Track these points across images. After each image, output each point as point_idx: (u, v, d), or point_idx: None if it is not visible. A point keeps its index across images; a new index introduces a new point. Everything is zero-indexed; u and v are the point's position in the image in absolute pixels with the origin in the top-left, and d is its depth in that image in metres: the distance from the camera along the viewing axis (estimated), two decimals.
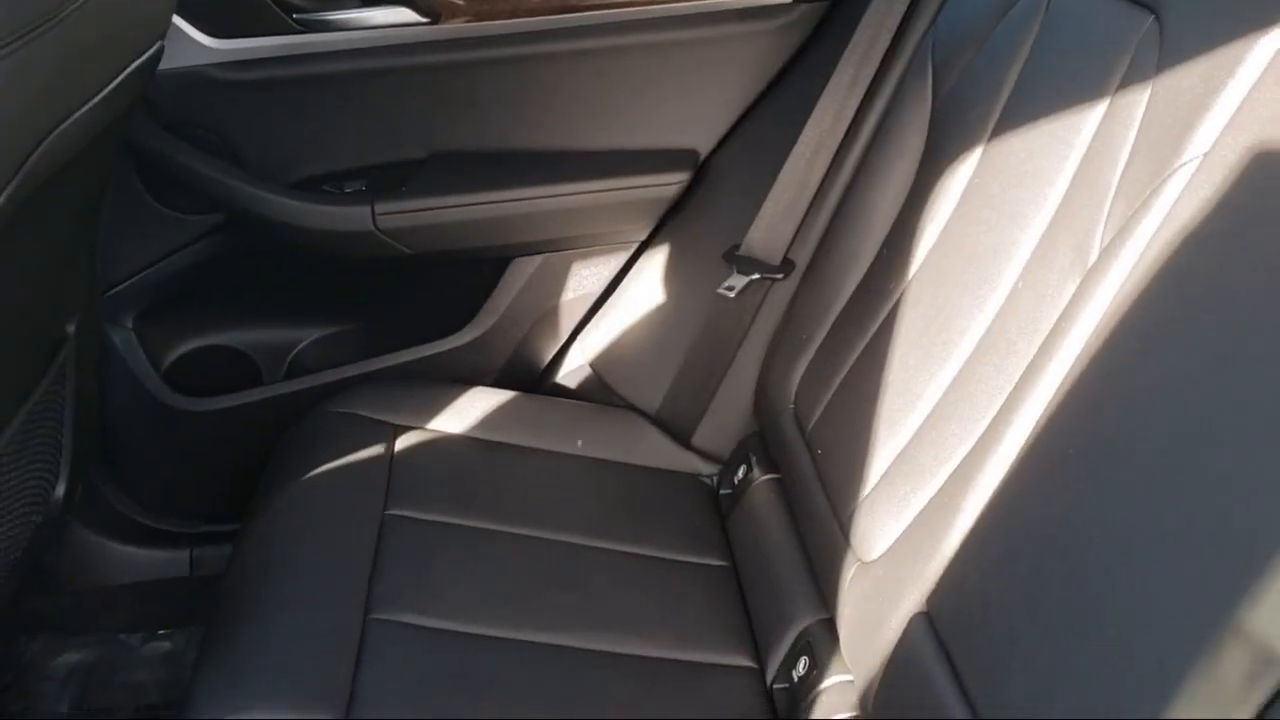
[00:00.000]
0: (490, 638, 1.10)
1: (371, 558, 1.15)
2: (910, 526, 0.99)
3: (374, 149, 1.48)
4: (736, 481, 1.40)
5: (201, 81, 1.39)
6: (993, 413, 0.93)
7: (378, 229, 1.44)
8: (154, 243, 1.49)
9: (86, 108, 0.94)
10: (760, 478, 1.36)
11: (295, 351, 1.61)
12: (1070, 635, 0.73)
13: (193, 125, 1.42)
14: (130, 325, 1.52)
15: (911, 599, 0.93)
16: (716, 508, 1.40)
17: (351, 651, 1.04)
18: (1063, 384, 0.83)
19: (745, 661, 1.16)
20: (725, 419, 1.45)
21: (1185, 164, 0.80)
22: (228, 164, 1.43)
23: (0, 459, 1.10)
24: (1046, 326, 0.90)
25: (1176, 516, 0.69)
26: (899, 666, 0.92)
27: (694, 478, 1.44)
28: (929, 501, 0.98)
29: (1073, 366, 0.83)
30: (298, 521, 1.20)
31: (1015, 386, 0.90)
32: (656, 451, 1.46)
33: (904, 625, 0.92)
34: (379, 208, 1.43)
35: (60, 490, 1.30)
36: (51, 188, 0.96)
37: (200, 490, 1.63)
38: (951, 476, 0.96)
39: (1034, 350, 0.90)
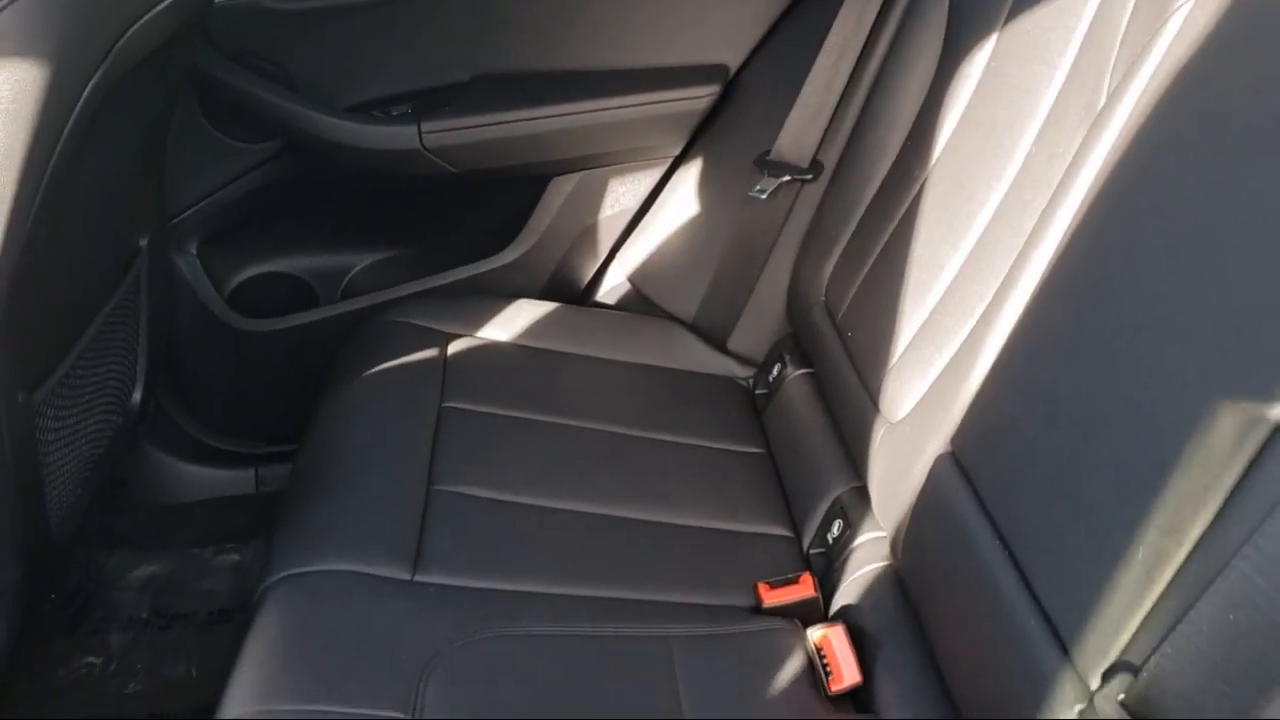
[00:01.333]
0: (546, 508, 1.18)
1: (431, 441, 1.23)
2: (935, 381, 1.04)
3: (419, 74, 1.56)
4: (771, 380, 1.45)
5: (258, 12, 1.48)
6: (1010, 264, 0.98)
7: (424, 147, 1.51)
8: (215, 171, 1.57)
9: (156, 10, 1.02)
10: (794, 373, 1.42)
11: (349, 277, 1.69)
12: (1078, 439, 0.79)
13: (250, 55, 1.50)
14: (194, 251, 1.60)
15: (936, 442, 0.98)
16: (753, 406, 1.47)
17: (417, 516, 1.12)
18: (1073, 221, 0.89)
19: (783, 531, 1.23)
20: (759, 322, 1.51)
21: (1182, 4, 0.85)
22: (284, 89, 1.51)
23: (84, 356, 1.19)
24: (1058, 178, 0.95)
25: (1173, 316, 0.74)
26: (926, 504, 0.98)
27: (730, 380, 1.51)
28: (952, 356, 1.03)
29: (1081, 203, 0.88)
30: (360, 411, 1.28)
31: (1030, 236, 0.96)
32: (694, 357, 1.52)
33: (929, 467, 0.98)
34: (425, 127, 1.50)
35: (137, 396, 1.39)
36: (127, 90, 1.04)
37: (263, 412, 1.71)
38: (973, 330, 1.01)
39: (1046, 202, 0.96)
